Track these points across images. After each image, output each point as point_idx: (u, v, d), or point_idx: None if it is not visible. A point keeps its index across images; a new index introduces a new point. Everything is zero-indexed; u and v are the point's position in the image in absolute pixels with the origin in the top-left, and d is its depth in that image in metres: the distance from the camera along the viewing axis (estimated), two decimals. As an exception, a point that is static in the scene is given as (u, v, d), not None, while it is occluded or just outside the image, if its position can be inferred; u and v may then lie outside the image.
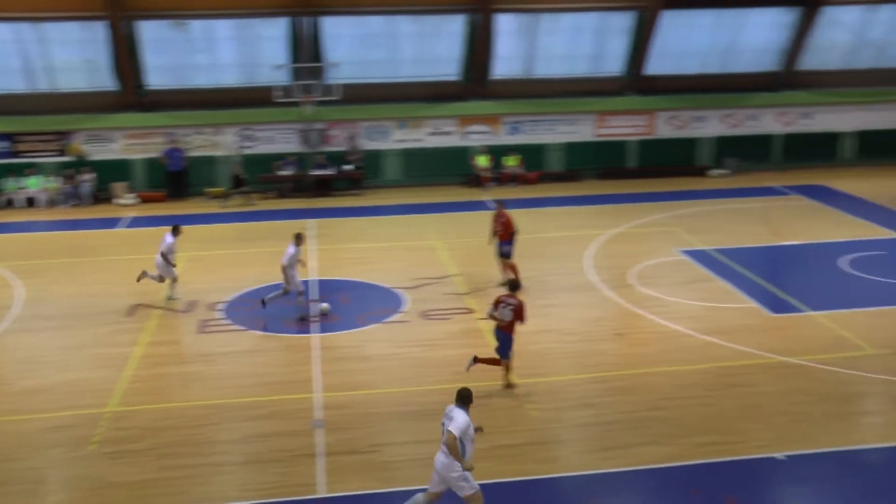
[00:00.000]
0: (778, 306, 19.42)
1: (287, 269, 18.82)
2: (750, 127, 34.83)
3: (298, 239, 19.15)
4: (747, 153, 34.53)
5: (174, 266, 20.17)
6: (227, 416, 14.55)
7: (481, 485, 11.83)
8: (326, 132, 32.09)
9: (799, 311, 19.09)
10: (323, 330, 18.30)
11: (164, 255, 19.95)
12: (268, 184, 31.58)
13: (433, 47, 32.10)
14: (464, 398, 10.88)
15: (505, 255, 20.82)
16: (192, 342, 17.97)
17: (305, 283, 20.32)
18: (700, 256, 23.01)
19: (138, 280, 20.50)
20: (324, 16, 30.81)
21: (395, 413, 14.58)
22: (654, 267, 22.31)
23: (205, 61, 31.44)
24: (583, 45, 32.91)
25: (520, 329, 15.43)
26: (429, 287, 20.87)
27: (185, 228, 21.43)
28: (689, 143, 34.53)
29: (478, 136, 33.10)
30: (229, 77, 31.65)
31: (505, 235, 20.79)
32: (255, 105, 31.43)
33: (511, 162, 32.92)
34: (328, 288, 20.95)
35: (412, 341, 17.65)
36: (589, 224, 26.64)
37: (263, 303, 19.13)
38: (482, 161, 32.44)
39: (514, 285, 15.91)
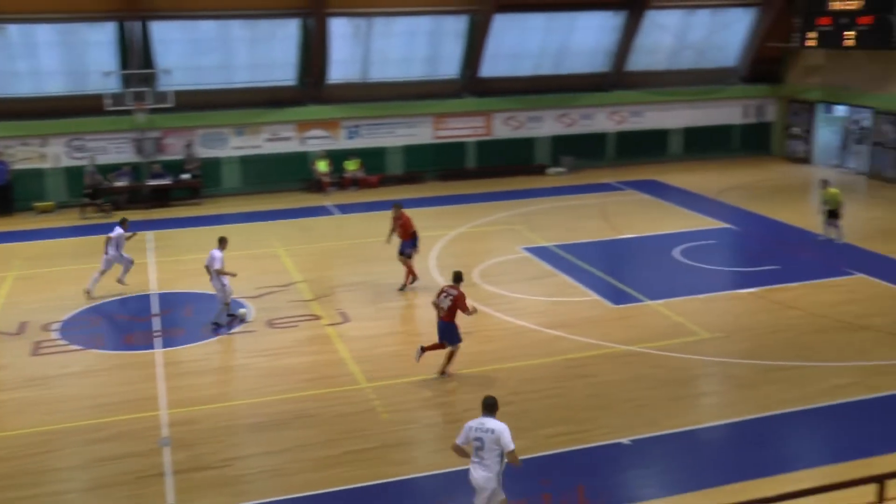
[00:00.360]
0: (618, 298, 20.08)
1: (220, 274, 18.29)
2: (584, 126, 35.90)
3: (223, 243, 18.71)
4: (583, 151, 35.58)
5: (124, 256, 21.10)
6: (68, 441, 13.86)
7: (334, 493, 11.81)
8: (161, 141, 31.15)
9: (638, 301, 19.79)
10: (166, 345, 17.72)
11: (116, 247, 20.75)
12: (102, 195, 30.31)
13: (268, 52, 31.61)
14: (491, 407, 10.56)
15: (406, 256, 20.77)
16: (25, 365, 17.01)
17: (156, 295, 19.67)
18: (542, 253, 23.54)
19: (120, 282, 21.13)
20: (152, 20, 29.85)
21: (245, 425, 14.27)
22: (498, 265, 22.67)
23: (26, 68, 29.78)
24: (418, 49, 33.11)
25: (370, 333, 15.42)
26: (274, 295, 20.53)
27: (12, 246, 20.41)
28: (527, 143, 35.29)
29: (317, 141, 32.85)
30: (55, 85, 30.15)
31: (405, 236, 20.77)
32: (85, 114, 30.14)
33: (351, 166, 32.82)
34: (170, 301, 20.35)
35: (259, 351, 17.32)
36: (432, 225, 26.78)
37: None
38: (322, 166, 32.22)
39: (458, 277, 16.11)
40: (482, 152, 34.78)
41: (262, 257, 23.78)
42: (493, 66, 34.16)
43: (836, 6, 32.11)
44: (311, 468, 12.79)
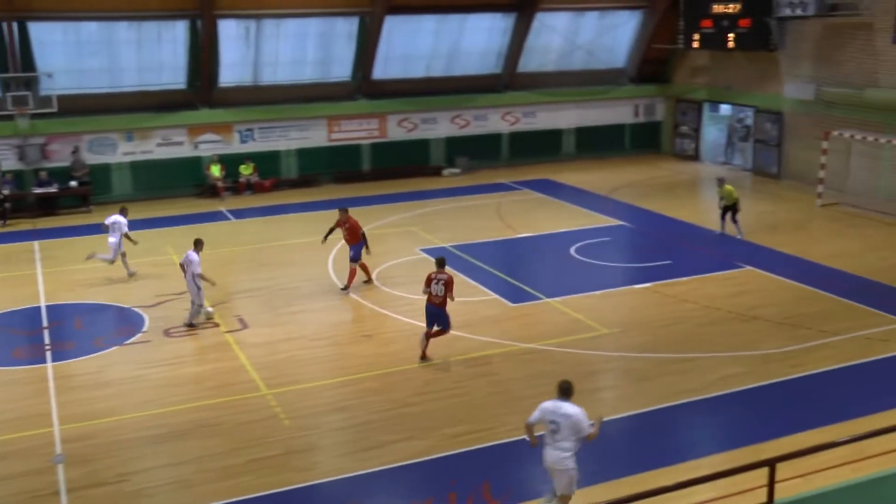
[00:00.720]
0: (516, 296, 20.29)
1: (198, 278, 18.20)
2: (478, 127, 36.19)
3: (198, 245, 18.71)
4: (477, 152, 35.86)
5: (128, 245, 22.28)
6: (-47, 462, 13.30)
7: (239, 502, 11.66)
8: (46, 147, 30.11)
9: (536, 299, 20.03)
10: (56, 359, 17.12)
11: (123, 236, 21.91)
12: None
13: (156, 55, 30.83)
14: (568, 391, 10.88)
15: (354, 259, 20.76)
16: None
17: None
18: (440, 254, 23.51)
19: (87, 259, 22.18)
20: (30, 21, 28.73)
21: (143, 438, 13.90)
22: (396, 267, 22.66)
23: None
24: (309, 51, 32.80)
25: (269, 339, 15.28)
26: (170, 303, 20.07)
27: None
28: (422, 145, 35.37)
29: (209, 146, 32.26)
30: (-73, 90, 28.89)
31: (353, 240, 20.76)
32: (-38, 120, 28.99)
33: (246, 170, 32.35)
34: (59, 313, 19.68)
35: (156, 361, 16.91)
36: (327, 229, 26.61)
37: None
38: (215, 171, 31.66)
39: (442, 262, 16.76)
40: (377, 154, 34.71)
41: (158, 265, 23.22)
42: (385, 68, 34.14)
43: (718, 9, 33.13)
44: (215, 478, 12.55)
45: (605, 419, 10.96)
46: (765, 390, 15.17)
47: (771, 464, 9.71)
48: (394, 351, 17.27)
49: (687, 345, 17.16)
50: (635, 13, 37.09)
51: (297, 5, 31.34)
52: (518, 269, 22.81)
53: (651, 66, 38.54)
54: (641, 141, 39.05)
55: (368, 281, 21.26)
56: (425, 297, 16.58)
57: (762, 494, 9.86)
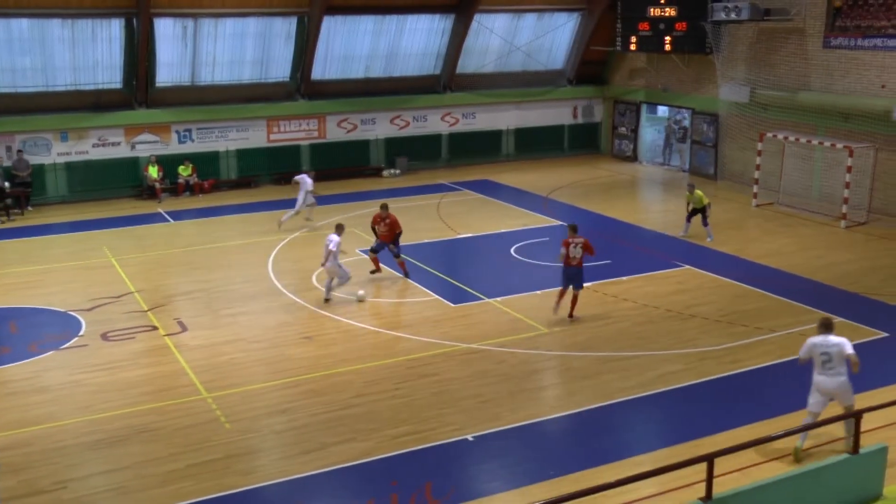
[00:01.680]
0: (457, 297, 20.36)
1: (336, 257, 19.58)
2: (418, 128, 36.22)
3: (340, 229, 20.18)
4: (417, 153, 35.90)
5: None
6: None
7: (182, 505, 11.62)
8: (-24, 148, 29.43)
9: (477, 299, 20.12)
10: (-10, 363, 16.79)
11: (308, 194, 26.42)
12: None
13: (91, 53, 30.28)
14: (830, 325, 12.59)
15: (397, 254, 21.56)
16: None
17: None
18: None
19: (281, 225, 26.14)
20: (-42, 19, 28.14)
21: (82, 444, 13.66)
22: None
23: None
24: (248, 51, 32.50)
25: (209, 341, 15.13)
26: (108, 307, 19.77)
27: None
28: (362, 146, 35.28)
29: (147, 146, 31.79)
30: None
31: (390, 236, 21.35)
32: None
33: (185, 171, 31.94)
34: (-8, 317, 19.28)
35: (93, 365, 16.63)
36: (268, 230, 26.46)
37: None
38: (153, 172, 31.21)
39: (575, 228, 18.62)
40: (317, 155, 34.52)
41: (94, 268, 22.84)
42: (324, 68, 34.01)
43: (655, 13, 33.61)
44: (155, 484, 12.41)
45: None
46: (702, 387, 15.44)
47: (709, 459, 9.93)
48: (335, 352, 17.23)
49: (627, 343, 17.40)
50: (573, 15, 37.44)
51: (235, 5, 31.03)
52: (459, 269, 22.90)
53: (589, 68, 38.94)
54: (580, 142, 39.42)
55: (376, 271, 21.80)
56: (562, 260, 18.27)
57: (701, 489, 10.06)
